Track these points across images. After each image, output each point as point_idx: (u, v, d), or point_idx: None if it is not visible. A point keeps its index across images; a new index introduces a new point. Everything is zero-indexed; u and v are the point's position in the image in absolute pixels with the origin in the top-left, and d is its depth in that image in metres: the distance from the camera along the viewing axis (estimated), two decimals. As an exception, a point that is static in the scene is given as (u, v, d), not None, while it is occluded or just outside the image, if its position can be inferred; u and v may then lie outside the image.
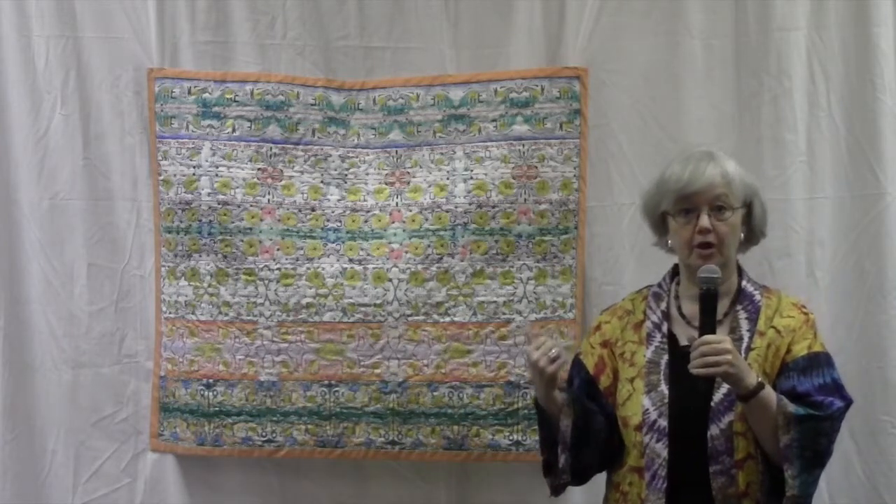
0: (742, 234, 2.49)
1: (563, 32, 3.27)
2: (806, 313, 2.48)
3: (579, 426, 2.45)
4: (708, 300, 2.33)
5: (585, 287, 3.25)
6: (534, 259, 3.22)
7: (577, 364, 2.59)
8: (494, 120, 3.25)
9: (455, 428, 3.22)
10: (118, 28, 3.37)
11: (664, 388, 2.42)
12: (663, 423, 2.40)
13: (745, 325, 2.44)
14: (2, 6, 3.37)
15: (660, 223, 2.55)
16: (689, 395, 2.37)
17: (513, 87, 3.24)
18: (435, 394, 3.22)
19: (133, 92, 3.38)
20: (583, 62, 3.24)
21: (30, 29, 3.37)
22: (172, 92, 3.33)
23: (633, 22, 3.25)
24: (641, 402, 2.43)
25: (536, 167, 3.22)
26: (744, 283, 2.51)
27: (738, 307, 2.47)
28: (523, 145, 3.23)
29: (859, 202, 3.19)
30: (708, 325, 2.32)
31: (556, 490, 2.56)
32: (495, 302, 3.21)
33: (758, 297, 2.48)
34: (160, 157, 3.33)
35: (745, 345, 2.41)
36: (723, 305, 2.44)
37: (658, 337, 2.48)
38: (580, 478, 2.56)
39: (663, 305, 2.53)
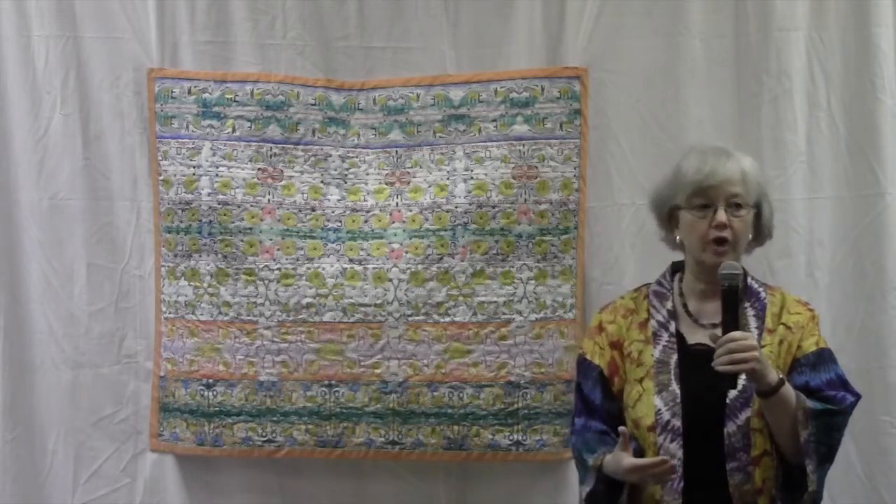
0: (750, 235, 2.46)
1: (563, 32, 3.27)
2: (811, 310, 2.50)
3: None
4: (730, 297, 2.31)
5: (585, 287, 3.25)
6: (534, 259, 3.22)
7: (587, 365, 2.53)
8: (494, 120, 3.25)
9: (455, 428, 3.22)
10: (118, 28, 3.37)
11: (676, 387, 2.40)
12: (677, 422, 2.38)
13: (752, 321, 2.44)
14: (2, 6, 3.36)
15: (667, 218, 2.51)
16: (702, 393, 2.36)
17: (513, 87, 3.24)
18: (435, 394, 3.22)
19: (133, 92, 3.37)
20: (583, 62, 3.24)
21: (30, 29, 3.36)
22: (172, 92, 3.33)
23: (633, 22, 3.26)
24: (653, 403, 2.41)
25: (536, 167, 3.22)
26: (749, 280, 2.49)
27: (746, 304, 2.45)
28: (523, 145, 3.22)
29: (859, 202, 3.20)
30: (731, 322, 2.30)
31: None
32: (495, 302, 3.21)
33: (763, 295, 2.48)
34: (160, 157, 3.33)
35: None
36: None
37: (665, 336, 2.46)
38: None
39: (668, 304, 2.50)
